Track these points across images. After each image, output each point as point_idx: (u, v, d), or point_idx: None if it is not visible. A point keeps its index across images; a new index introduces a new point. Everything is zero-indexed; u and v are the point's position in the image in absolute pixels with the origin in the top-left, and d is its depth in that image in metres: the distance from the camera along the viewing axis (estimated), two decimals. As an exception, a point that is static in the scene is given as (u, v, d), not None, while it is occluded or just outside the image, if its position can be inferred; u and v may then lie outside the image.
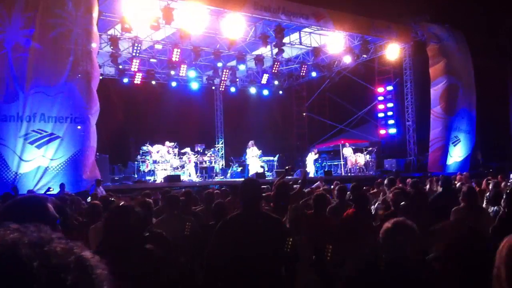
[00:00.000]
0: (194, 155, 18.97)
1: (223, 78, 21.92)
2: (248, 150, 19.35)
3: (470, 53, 21.37)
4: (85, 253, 0.89)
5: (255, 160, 19.02)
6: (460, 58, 20.98)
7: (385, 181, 8.42)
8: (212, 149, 20.03)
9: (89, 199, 9.79)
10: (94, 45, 13.63)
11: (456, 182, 11.42)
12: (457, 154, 20.63)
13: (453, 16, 20.75)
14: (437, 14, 20.74)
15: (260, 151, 19.45)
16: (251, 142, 19.32)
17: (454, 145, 20.54)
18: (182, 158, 18.47)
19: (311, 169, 20.79)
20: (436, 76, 20.68)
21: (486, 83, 21.81)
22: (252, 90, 25.08)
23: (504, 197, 5.73)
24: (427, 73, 20.94)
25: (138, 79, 20.76)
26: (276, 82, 24.29)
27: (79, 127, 13.28)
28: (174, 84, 22.88)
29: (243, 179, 16.37)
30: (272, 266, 3.71)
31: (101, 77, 14.69)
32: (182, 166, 18.36)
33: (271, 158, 20.87)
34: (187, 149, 18.76)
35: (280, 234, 3.86)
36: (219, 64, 20.60)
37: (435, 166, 20.09)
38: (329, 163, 22.55)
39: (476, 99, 21.49)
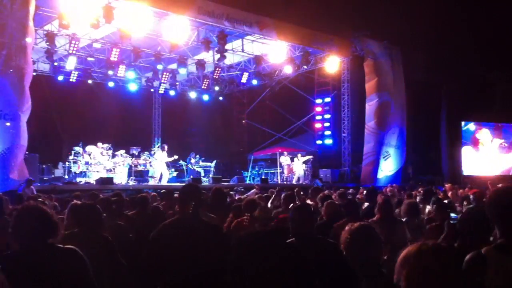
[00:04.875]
0: (129, 157, 18.57)
1: (162, 81, 21.62)
2: (158, 152, 19.07)
3: (407, 69, 22.12)
4: None
5: (162, 165, 18.72)
6: (394, 76, 21.64)
7: (309, 191, 8.57)
8: (147, 153, 19.67)
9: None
10: (29, 40, 13.08)
11: (386, 194, 11.76)
12: (387, 168, 21.27)
13: (391, 33, 21.46)
14: (377, 31, 21.38)
15: (171, 157, 19.18)
16: (165, 146, 19.09)
17: (385, 160, 21.18)
18: (115, 160, 18.02)
19: (300, 172, 20.96)
20: (370, 92, 21.33)
21: (420, 99, 22.73)
22: (192, 95, 24.87)
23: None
24: (364, 87, 21.57)
25: (73, 77, 20.19)
26: (216, 88, 24.24)
27: (8, 123, 12.67)
28: (111, 84, 22.33)
29: (178, 184, 16.18)
30: (212, 274, 3.64)
31: (34, 74, 14.11)
32: (115, 169, 17.92)
33: (209, 163, 20.76)
34: (122, 151, 18.34)
35: (220, 241, 3.82)
36: (159, 67, 20.31)
37: (367, 179, 20.67)
38: (266, 171, 22.70)
39: (408, 115, 22.25)
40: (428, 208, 8.10)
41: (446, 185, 14.17)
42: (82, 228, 4.20)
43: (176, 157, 19.19)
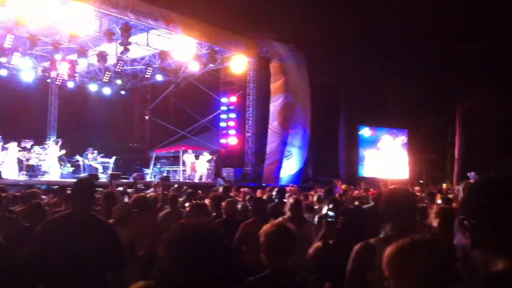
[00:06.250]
0: (20, 151, 17.45)
1: (60, 72, 20.54)
2: (51, 146, 18.26)
3: (310, 73, 22.80)
4: None
5: (54, 159, 17.96)
6: (299, 78, 22.27)
7: (220, 189, 8.62)
8: (41, 146, 18.60)
9: None
10: None
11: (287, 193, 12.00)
12: (289, 167, 21.79)
13: (298, 37, 22.01)
14: (283, 34, 21.84)
15: (63, 151, 18.48)
16: (59, 140, 18.31)
17: (287, 159, 21.68)
18: (5, 153, 16.87)
19: (203, 171, 20.69)
20: (275, 93, 21.74)
21: (321, 102, 23.55)
22: (93, 87, 23.90)
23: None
24: (269, 88, 21.93)
25: (-39, 64, 18.68)
26: (119, 82, 23.45)
27: None
28: (4, 72, 20.83)
29: (73, 180, 15.45)
30: (97, 270, 3.51)
31: None
32: (4, 162, 16.76)
33: (107, 159, 20.04)
34: (12, 144, 17.18)
35: (110, 239, 3.70)
36: (58, 56, 19.22)
37: (269, 178, 21.02)
38: (168, 169, 22.36)
39: (311, 117, 22.95)
40: (325, 207, 8.34)
41: (342, 186, 14.75)
42: None
43: (64, 151, 18.36)
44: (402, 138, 27.44)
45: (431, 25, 21.22)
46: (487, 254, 1.53)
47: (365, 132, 26.58)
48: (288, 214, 5.88)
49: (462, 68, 22.99)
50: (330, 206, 6.49)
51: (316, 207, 8.49)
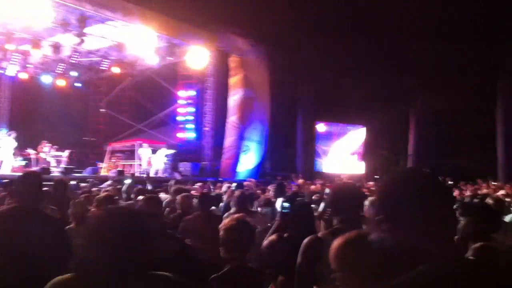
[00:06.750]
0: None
1: (12, 63, 19.88)
2: (3, 138, 17.72)
3: (270, 69, 22.83)
4: None
5: (6, 152, 17.47)
6: (258, 73, 22.26)
7: (171, 183, 8.59)
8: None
9: None
10: None
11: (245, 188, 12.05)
12: (247, 162, 21.83)
13: (258, 32, 22.00)
14: (243, 28, 21.78)
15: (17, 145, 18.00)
16: (12, 132, 17.84)
17: (245, 154, 21.72)
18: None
19: (160, 165, 20.48)
20: (234, 87, 21.72)
21: (280, 98, 23.68)
22: (47, 79, 23.24)
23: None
24: (228, 83, 21.87)
25: None
26: (74, 74, 22.86)
27: None
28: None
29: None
30: (42, 268, 3.41)
31: None
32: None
33: (61, 153, 19.53)
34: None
35: (57, 234, 3.59)
36: (10, 47, 18.58)
37: (227, 172, 21.01)
38: (123, 163, 22.00)
39: (270, 112, 23.02)
40: (279, 199, 8.42)
41: (299, 181, 14.96)
42: None
43: (16, 144, 17.83)
44: (358, 134, 27.95)
45: (389, 22, 21.58)
46: (411, 250, 1.50)
47: (322, 127, 26.93)
48: (233, 208, 5.91)
49: (417, 66, 23.57)
50: (284, 198, 6.62)
51: (273, 200, 8.55)
